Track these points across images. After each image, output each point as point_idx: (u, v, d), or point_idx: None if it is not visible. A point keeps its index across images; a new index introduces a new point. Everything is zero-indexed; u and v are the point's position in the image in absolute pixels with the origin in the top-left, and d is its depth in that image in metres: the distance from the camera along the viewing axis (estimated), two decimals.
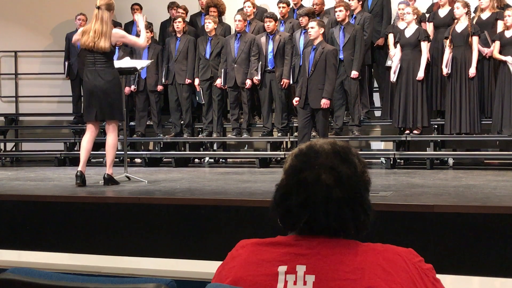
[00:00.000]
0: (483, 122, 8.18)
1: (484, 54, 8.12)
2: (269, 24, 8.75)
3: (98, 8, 6.24)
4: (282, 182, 1.57)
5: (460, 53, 8.10)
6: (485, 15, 8.31)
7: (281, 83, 8.76)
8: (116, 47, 9.58)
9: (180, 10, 9.85)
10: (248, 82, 8.92)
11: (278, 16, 9.10)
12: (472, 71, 8.01)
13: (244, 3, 9.52)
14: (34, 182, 7.08)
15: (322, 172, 1.50)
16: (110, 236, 5.25)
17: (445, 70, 8.17)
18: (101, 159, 9.12)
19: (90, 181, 6.62)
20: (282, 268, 1.49)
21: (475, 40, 8.03)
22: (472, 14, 8.34)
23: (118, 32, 6.53)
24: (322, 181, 1.49)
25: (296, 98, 7.99)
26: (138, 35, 9.77)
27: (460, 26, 8.11)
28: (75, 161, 6.55)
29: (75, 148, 9.90)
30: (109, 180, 6.44)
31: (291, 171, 1.55)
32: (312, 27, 7.71)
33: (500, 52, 7.96)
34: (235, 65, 9.01)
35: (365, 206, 1.54)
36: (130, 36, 6.57)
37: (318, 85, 7.68)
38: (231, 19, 9.71)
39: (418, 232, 4.53)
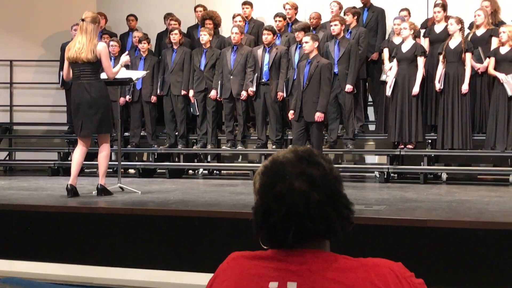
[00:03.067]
0: (474, 138, 8.21)
1: (476, 70, 8.16)
2: (267, 37, 8.79)
3: (83, 20, 6.27)
4: (258, 202, 1.55)
5: (453, 69, 8.14)
6: (480, 32, 8.36)
7: (276, 96, 8.79)
8: (112, 57, 9.63)
9: (173, 22, 9.85)
10: (244, 93, 8.94)
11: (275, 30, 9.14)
12: (464, 88, 8.05)
13: (235, 17, 9.55)
14: (27, 192, 7.06)
15: (294, 180, 1.49)
16: (103, 247, 5.24)
17: (438, 86, 8.21)
18: (95, 169, 9.09)
19: (83, 191, 6.60)
20: (273, 284, 1.48)
21: (468, 56, 8.07)
22: (468, 31, 8.39)
23: (105, 48, 6.41)
24: (297, 189, 1.48)
25: (291, 111, 8.00)
26: (134, 46, 9.87)
27: (453, 42, 8.16)
28: (68, 171, 6.53)
29: (69, 158, 9.87)
30: (102, 191, 6.43)
31: (264, 189, 1.53)
32: (306, 42, 7.74)
33: (495, 69, 8.00)
34: (231, 77, 9.03)
35: (344, 201, 1.54)
36: (108, 61, 6.47)
37: (313, 99, 7.70)
38: (227, 31, 9.74)
39: (411, 246, 4.53)
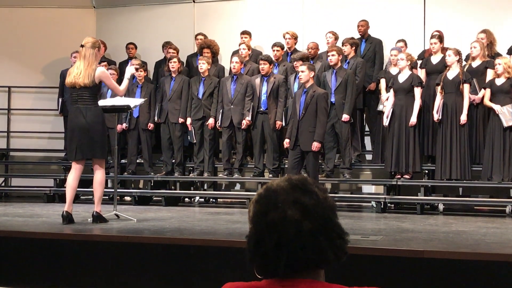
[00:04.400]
0: (473, 169, 8.22)
1: (471, 101, 8.21)
2: (264, 67, 8.86)
3: (82, 46, 6.32)
4: (251, 231, 1.55)
5: (451, 99, 8.19)
6: (475, 63, 8.43)
7: (275, 125, 8.82)
8: None
9: (171, 50, 9.92)
10: (244, 122, 8.96)
11: (273, 59, 9.20)
12: (463, 118, 8.09)
13: (239, 45, 9.64)
14: (22, 218, 7.03)
15: (287, 209, 1.48)
16: (98, 275, 5.19)
17: (436, 116, 8.25)
18: (91, 196, 9.06)
19: (78, 218, 6.57)
20: None
21: (466, 87, 8.13)
22: (464, 62, 8.46)
23: (104, 72, 6.43)
24: (290, 217, 1.48)
25: (287, 140, 8.01)
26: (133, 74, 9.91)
27: (451, 73, 8.22)
28: (64, 198, 6.51)
29: (65, 185, 9.84)
30: (98, 218, 6.39)
31: (257, 217, 1.53)
32: (302, 71, 7.79)
33: (491, 100, 8.05)
34: (232, 106, 9.07)
35: (338, 231, 1.52)
36: (112, 81, 6.54)
37: (309, 128, 7.71)
38: (225, 60, 9.79)
39: (407, 277, 4.50)
